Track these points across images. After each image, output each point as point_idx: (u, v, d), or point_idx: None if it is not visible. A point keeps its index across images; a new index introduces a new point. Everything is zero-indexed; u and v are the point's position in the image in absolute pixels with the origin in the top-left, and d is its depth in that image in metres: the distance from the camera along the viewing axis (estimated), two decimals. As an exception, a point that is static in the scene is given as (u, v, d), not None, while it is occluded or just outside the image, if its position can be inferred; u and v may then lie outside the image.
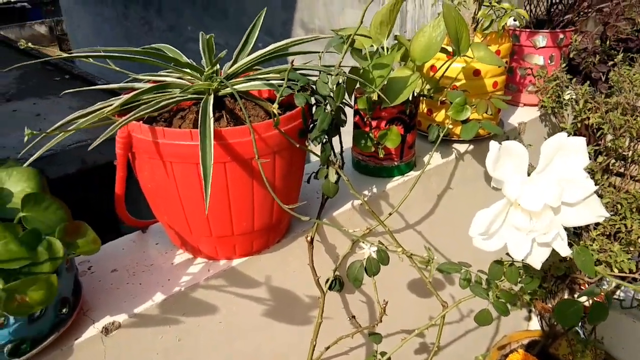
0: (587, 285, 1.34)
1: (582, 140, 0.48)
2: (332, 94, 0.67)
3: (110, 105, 0.61)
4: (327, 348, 0.83)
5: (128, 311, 0.62)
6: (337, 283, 0.86)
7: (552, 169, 0.49)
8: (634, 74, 0.95)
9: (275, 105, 0.57)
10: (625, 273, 0.94)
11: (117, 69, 0.70)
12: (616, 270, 0.97)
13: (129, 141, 0.62)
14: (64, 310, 0.57)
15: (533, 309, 1.49)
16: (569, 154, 0.49)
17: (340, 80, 0.68)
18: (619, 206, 1.12)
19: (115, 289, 0.66)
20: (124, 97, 0.62)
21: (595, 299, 0.56)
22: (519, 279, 0.74)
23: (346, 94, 0.84)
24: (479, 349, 1.44)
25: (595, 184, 1.13)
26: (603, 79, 1.06)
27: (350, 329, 0.97)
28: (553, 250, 0.83)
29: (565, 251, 0.50)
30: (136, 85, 0.70)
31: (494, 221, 0.50)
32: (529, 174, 0.50)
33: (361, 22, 0.66)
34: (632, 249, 1.03)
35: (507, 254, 0.80)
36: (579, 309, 0.56)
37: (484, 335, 1.44)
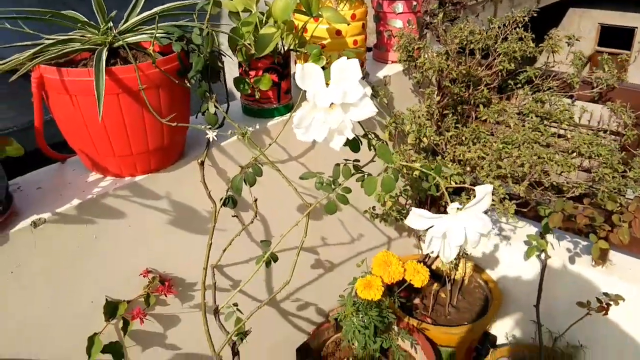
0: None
1: (355, 61, 0.72)
2: (203, 43, 0.89)
3: (25, 54, 0.79)
4: (224, 250, 1.06)
5: (51, 210, 0.82)
6: (231, 200, 1.08)
7: (339, 82, 0.73)
8: (457, 30, 1.23)
9: (151, 48, 0.78)
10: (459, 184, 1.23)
11: (31, 31, 0.88)
12: (453, 183, 1.25)
13: (42, 81, 0.81)
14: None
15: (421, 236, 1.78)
16: (348, 71, 0.73)
17: (209, 32, 0.89)
18: (462, 138, 1.41)
19: (40, 199, 0.85)
20: (34, 49, 0.80)
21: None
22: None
23: (230, 49, 1.07)
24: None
25: (446, 123, 1.41)
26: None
27: (245, 243, 1.20)
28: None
29: (350, 135, 0.75)
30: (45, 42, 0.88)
31: (304, 117, 0.74)
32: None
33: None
34: (467, 168, 1.32)
35: (345, 159, 1.05)
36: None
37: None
